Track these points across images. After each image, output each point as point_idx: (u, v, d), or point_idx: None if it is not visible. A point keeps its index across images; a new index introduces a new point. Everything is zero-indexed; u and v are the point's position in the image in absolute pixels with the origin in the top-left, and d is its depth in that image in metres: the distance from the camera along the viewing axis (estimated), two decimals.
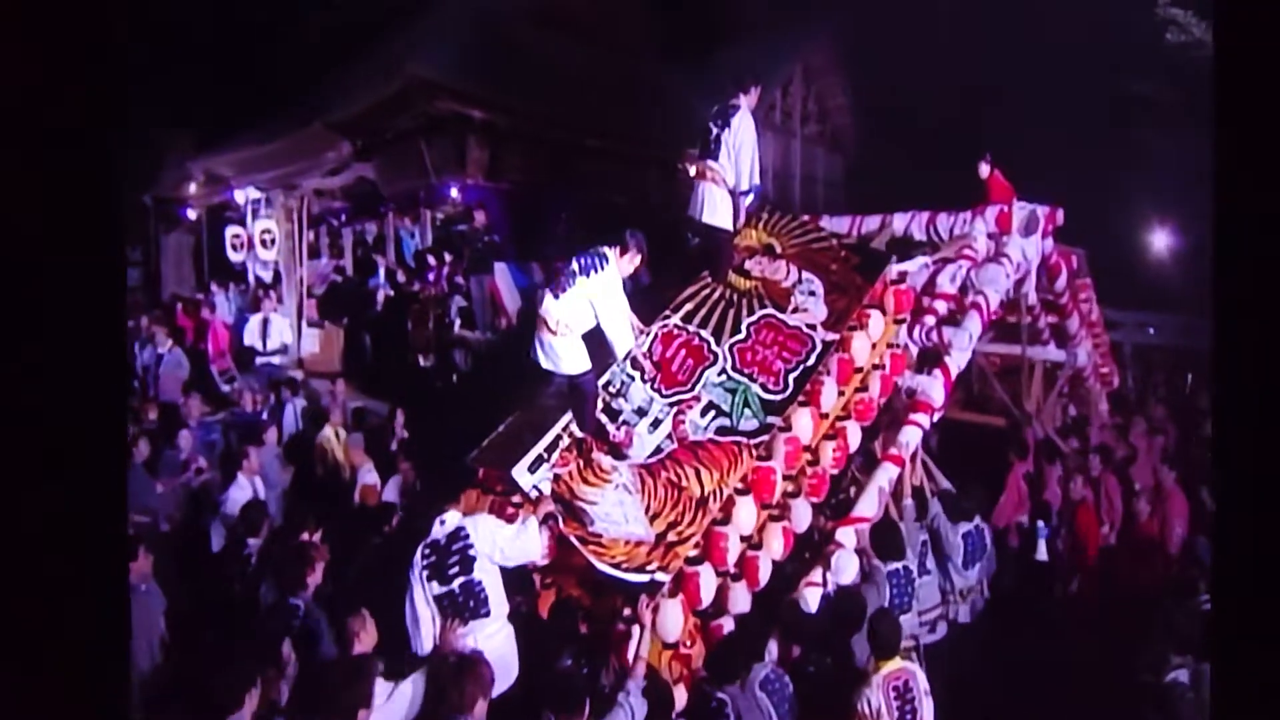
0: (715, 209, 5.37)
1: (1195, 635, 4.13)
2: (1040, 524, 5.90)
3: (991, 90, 10.67)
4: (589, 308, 4.53)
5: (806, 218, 6.34)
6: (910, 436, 5.39)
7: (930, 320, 5.93)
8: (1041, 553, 5.89)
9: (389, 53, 9.02)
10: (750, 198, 5.58)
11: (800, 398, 4.72)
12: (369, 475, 6.24)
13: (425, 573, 3.64)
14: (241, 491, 5.63)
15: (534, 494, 4.38)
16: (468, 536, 3.66)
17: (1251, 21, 1.70)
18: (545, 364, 4.56)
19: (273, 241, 10.95)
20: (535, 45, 9.42)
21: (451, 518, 3.75)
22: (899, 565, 4.71)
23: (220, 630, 4.23)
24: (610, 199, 10.94)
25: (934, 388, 5.62)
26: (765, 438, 4.54)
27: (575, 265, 4.56)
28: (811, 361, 4.84)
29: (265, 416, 7.46)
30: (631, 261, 4.71)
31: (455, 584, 3.60)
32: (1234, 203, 1.70)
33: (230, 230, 11.76)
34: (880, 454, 5.40)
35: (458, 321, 9.63)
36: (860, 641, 3.99)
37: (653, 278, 5.85)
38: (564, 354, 4.48)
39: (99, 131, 1.54)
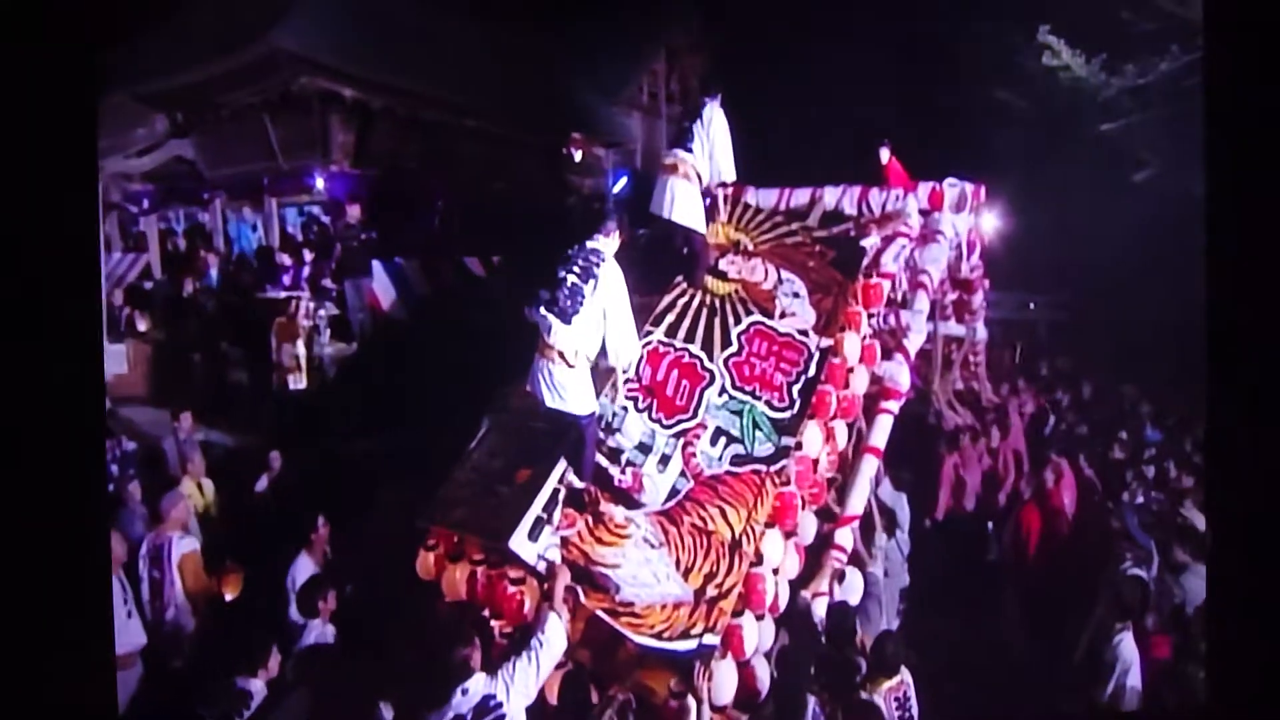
0: (686, 207, 4.83)
1: (1136, 603, 4.48)
2: (990, 526, 6.14)
3: (862, 80, 11.05)
4: (600, 322, 3.86)
5: (758, 202, 5.98)
6: (884, 426, 5.28)
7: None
8: (993, 553, 6.17)
9: (231, 16, 7.29)
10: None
11: (808, 412, 4.37)
12: None
13: None
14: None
15: (541, 566, 3.63)
16: (500, 706, 2.91)
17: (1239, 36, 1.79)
18: (550, 401, 3.81)
19: None
20: (409, 18, 8.14)
21: (476, 684, 2.95)
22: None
23: None
24: (489, 184, 9.96)
25: (900, 373, 5.51)
26: (784, 462, 4.14)
27: (574, 277, 3.83)
28: (812, 372, 4.50)
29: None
30: (619, 239, 4.13)
31: None
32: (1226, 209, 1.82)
33: None
34: (861, 447, 5.24)
35: (327, 332, 8.22)
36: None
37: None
38: (574, 390, 3.78)
39: None
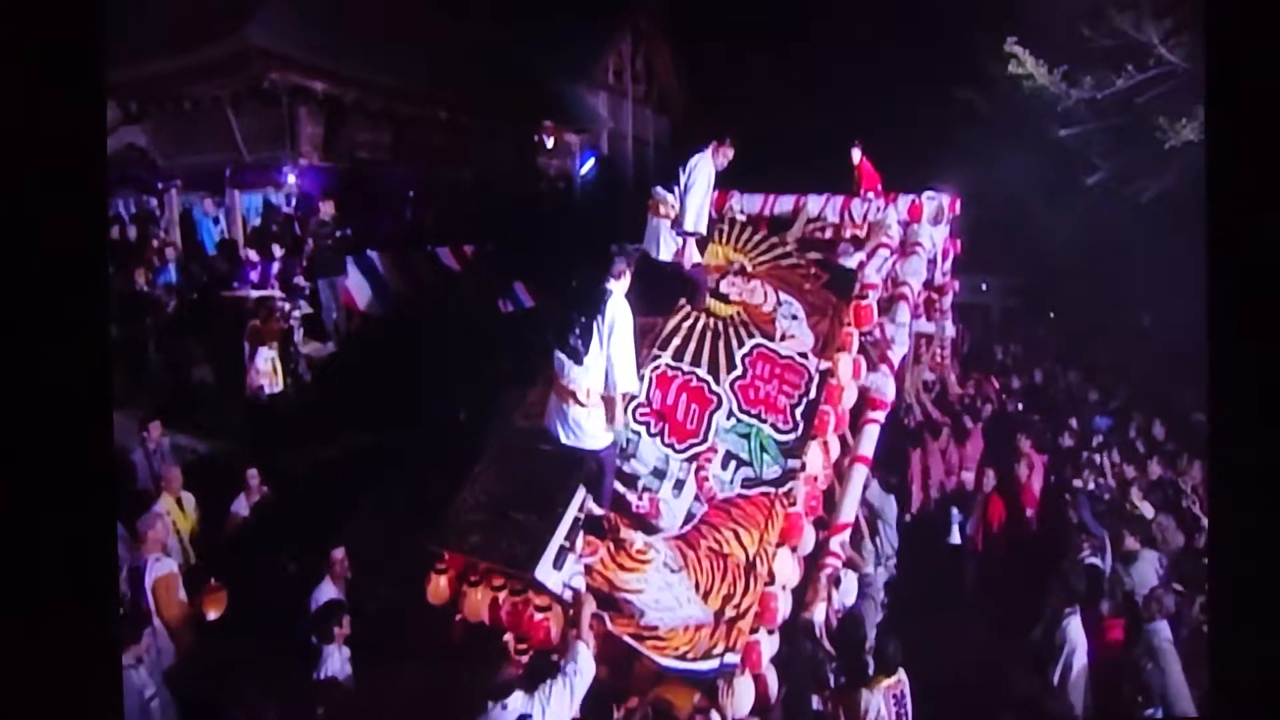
0: (672, 249, 4.93)
1: (1085, 590, 4.92)
2: (954, 510, 6.50)
3: (828, 67, 11.25)
4: (607, 357, 3.92)
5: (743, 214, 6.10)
6: (872, 435, 5.52)
7: None
8: (955, 537, 6.53)
9: (202, 9, 6.88)
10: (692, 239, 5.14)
11: (811, 433, 4.58)
12: None
13: None
14: None
15: (567, 594, 3.76)
16: None
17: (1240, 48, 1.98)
18: (566, 439, 3.89)
19: None
20: (380, 10, 7.82)
21: (515, 701, 3.12)
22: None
23: None
24: (459, 173, 9.79)
25: (886, 385, 5.74)
26: (790, 484, 4.35)
27: (585, 316, 3.87)
28: (813, 394, 4.71)
29: None
30: (628, 280, 4.14)
31: None
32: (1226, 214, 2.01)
33: None
34: (851, 457, 5.47)
35: (300, 332, 7.99)
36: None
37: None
38: (590, 427, 3.85)
39: None
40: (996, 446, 7.56)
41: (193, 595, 4.85)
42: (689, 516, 4.20)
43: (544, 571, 3.77)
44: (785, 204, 7.17)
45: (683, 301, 5.04)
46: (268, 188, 8.35)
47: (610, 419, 4.08)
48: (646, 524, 4.13)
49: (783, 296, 5.13)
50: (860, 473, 5.31)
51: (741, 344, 4.86)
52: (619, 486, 4.22)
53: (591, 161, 13.87)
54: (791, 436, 4.53)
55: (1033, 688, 4.86)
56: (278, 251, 7.92)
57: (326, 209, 7.51)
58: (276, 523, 5.94)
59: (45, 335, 1.45)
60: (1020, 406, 9.02)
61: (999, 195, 9.68)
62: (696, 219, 4.97)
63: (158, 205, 9.28)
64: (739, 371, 4.74)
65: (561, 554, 3.84)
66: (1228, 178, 1.96)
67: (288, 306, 7.39)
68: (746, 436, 4.49)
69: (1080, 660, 4.54)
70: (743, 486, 4.33)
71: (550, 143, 10.56)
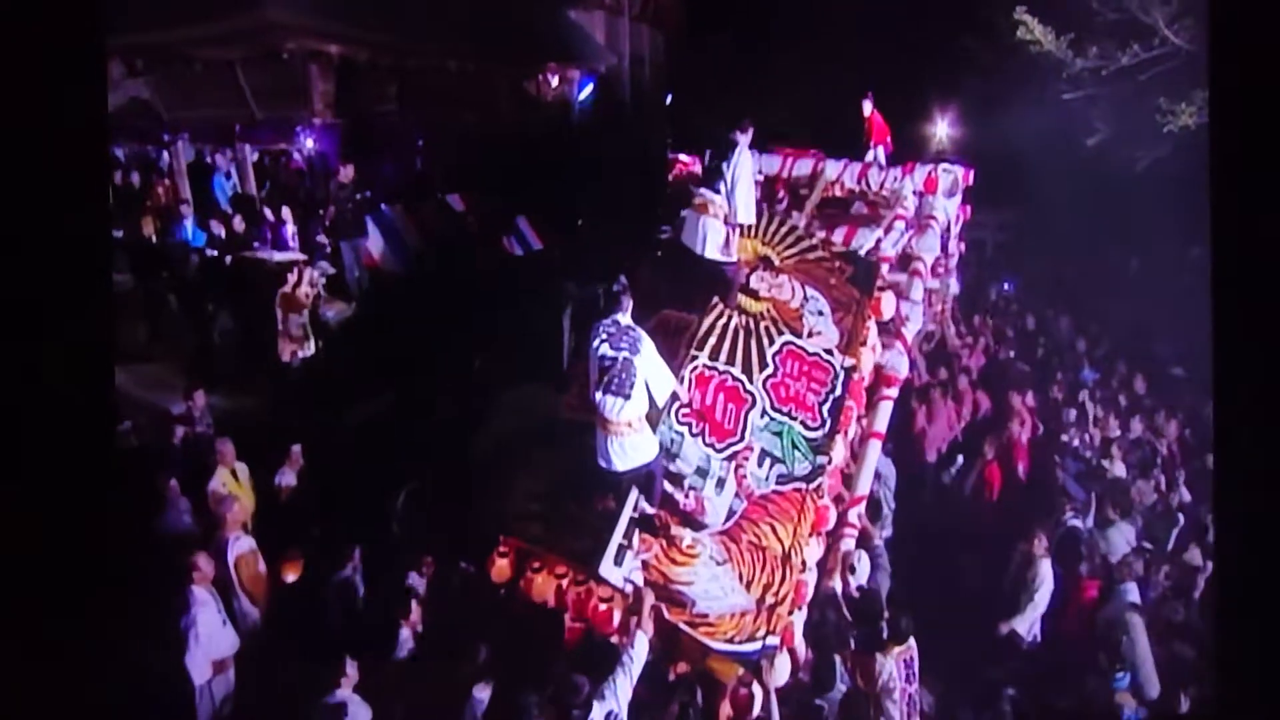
0: (718, 244, 5.13)
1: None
2: (953, 469, 7.00)
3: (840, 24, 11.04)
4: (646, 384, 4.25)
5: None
6: (885, 411, 5.92)
7: None
8: (956, 499, 7.06)
9: None
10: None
11: (836, 429, 5.00)
12: None
13: None
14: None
15: (628, 588, 4.27)
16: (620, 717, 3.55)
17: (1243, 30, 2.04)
18: (621, 465, 4.23)
19: None
20: None
21: (597, 714, 3.54)
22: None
23: None
24: (465, 117, 9.59)
25: (900, 362, 6.10)
26: (819, 480, 4.80)
27: (623, 354, 4.14)
28: (839, 391, 5.08)
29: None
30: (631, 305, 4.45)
31: None
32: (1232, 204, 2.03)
33: None
34: (866, 433, 5.89)
35: (322, 294, 8.08)
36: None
37: (663, 304, 5.40)
38: (638, 447, 4.22)
39: None
40: (991, 401, 7.99)
41: (271, 562, 5.31)
42: (730, 513, 4.66)
43: (606, 568, 4.27)
44: (803, 167, 7.25)
45: (715, 299, 5.29)
46: (279, 144, 8.20)
47: (654, 427, 4.45)
48: (693, 521, 4.59)
49: (809, 291, 5.39)
50: (874, 447, 5.74)
51: (772, 341, 5.17)
52: (667, 486, 4.63)
53: (590, 87, 13.47)
54: (820, 434, 4.94)
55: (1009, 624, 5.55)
56: (289, 214, 7.88)
57: (346, 172, 7.46)
58: (327, 490, 6.29)
59: (43, 296, 1.43)
60: (1013, 354, 9.40)
61: (999, 136, 9.90)
62: (746, 211, 5.20)
63: (156, 152, 9.06)
64: (770, 370, 5.08)
65: (621, 551, 4.34)
66: (1230, 158, 1.99)
67: (315, 273, 7.47)
68: (779, 435, 4.89)
69: (1046, 588, 5.30)
70: (777, 483, 4.77)
71: (554, 81, 10.31)
